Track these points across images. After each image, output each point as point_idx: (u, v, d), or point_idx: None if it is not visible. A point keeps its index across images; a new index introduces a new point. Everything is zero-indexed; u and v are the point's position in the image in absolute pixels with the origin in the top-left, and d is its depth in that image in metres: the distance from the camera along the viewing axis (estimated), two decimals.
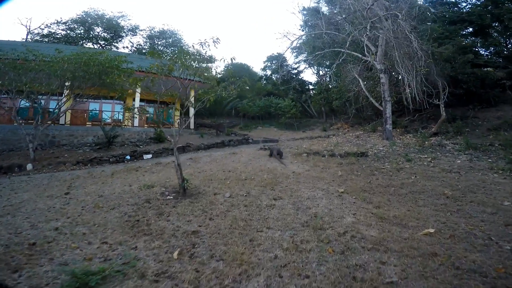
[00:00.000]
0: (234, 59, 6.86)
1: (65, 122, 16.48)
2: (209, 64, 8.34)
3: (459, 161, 9.69)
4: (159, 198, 5.92)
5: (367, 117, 22.60)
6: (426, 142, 13.50)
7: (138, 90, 18.39)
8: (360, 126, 22.76)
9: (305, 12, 26.21)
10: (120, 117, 19.13)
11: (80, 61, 11.52)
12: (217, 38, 6.21)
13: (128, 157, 12.35)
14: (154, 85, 6.67)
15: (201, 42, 6.20)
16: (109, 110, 19.69)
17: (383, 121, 14.86)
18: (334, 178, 7.61)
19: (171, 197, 6.00)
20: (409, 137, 15.48)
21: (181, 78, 7.36)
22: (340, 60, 15.79)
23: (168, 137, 15.32)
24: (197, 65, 7.19)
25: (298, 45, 30.47)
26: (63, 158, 11.99)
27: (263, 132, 22.34)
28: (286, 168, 8.73)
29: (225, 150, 13.18)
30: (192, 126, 18.44)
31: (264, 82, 34.85)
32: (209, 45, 6.22)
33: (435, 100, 14.86)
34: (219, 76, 29.20)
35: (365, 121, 22.84)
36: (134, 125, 17.16)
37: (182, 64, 6.61)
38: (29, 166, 10.19)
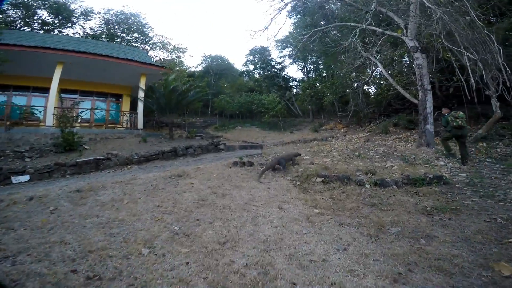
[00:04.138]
0: None
1: None
2: None
3: None
4: None
5: (367, 115, 16.75)
6: (492, 151, 7.79)
7: (57, 76, 11.47)
8: (358, 126, 16.89)
9: None
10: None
11: None
12: None
13: None
14: None
15: None
16: (42, 106, 12.35)
17: (420, 120, 8.87)
18: None
19: None
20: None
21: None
22: (357, 35, 9.44)
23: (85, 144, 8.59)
24: None
25: (283, 37, 24.59)
26: None
27: (243, 133, 15.89)
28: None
29: (172, 165, 6.66)
30: (140, 125, 11.69)
31: (246, 78, 28.34)
32: None
33: (487, 92, 9.06)
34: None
35: (364, 120, 16.98)
36: (47, 124, 10.16)
37: None
38: None
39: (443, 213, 3.54)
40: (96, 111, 13.11)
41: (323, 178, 4.99)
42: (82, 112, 11.37)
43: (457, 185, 4.76)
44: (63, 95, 13.33)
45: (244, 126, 19.21)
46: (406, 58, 13.77)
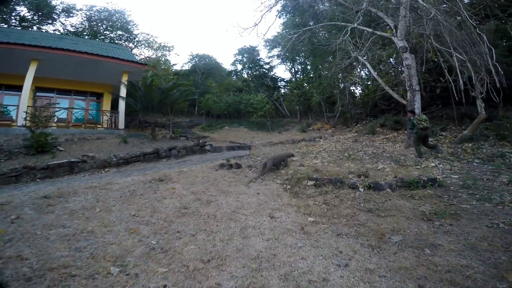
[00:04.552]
0: None
1: None
2: None
3: None
4: None
5: (354, 116, 16.72)
6: (479, 152, 7.83)
7: (31, 73, 10.62)
8: (345, 126, 16.82)
9: None
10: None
11: None
12: None
13: None
14: None
15: None
16: (14, 105, 11.40)
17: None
18: None
19: None
20: (431, 142, 9.64)
21: None
22: (348, 33, 9.29)
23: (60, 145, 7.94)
24: None
25: (272, 37, 24.30)
26: None
27: (231, 134, 15.48)
28: None
29: (154, 168, 6.18)
30: (121, 125, 11.04)
31: (234, 78, 27.90)
32: None
33: (473, 93, 9.12)
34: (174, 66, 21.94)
35: (351, 120, 16.93)
36: (19, 124, 9.37)
37: None
38: None
39: (443, 218, 3.33)
40: (74, 110, 12.32)
41: (314, 181, 4.70)
42: (58, 111, 10.62)
43: (451, 187, 4.60)
44: (39, 94, 12.51)
45: (231, 126, 18.81)
46: (391, 60, 13.84)
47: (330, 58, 17.49)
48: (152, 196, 3.92)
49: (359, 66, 11.46)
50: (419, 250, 2.60)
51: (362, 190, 4.33)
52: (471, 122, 10.18)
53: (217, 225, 2.89)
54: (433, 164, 6.39)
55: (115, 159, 6.46)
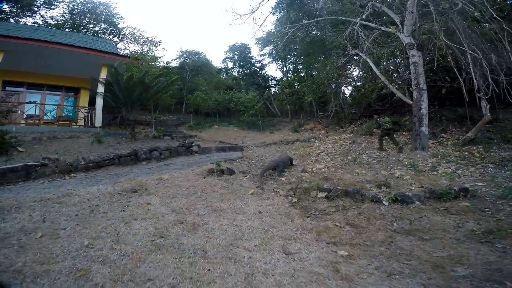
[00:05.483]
0: None
1: None
2: None
3: None
4: None
5: (348, 116, 16.03)
6: (488, 155, 7.30)
7: None
8: (338, 127, 16.13)
9: None
10: None
11: None
12: None
13: None
14: None
15: None
16: None
17: (414, 121, 8.06)
18: None
19: None
20: (433, 144, 9.03)
21: None
22: (357, 24, 8.51)
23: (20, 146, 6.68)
24: None
25: (264, 35, 23.40)
26: None
27: (220, 133, 14.42)
28: None
29: (129, 173, 5.09)
30: (98, 122, 9.78)
31: (224, 76, 26.81)
32: None
33: (479, 94, 8.53)
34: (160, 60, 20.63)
35: (344, 121, 16.23)
36: None
37: None
38: None
39: (502, 238, 2.51)
40: (47, 106, 10.95)
41: (326, 193, 3.81)
42: (20, 105, 9.30)
43: (486, 198, 3.84)
44: (8, 88, 11.17)
45: (221, 125, 17.78)
46: (389, 59, 13.25)
47: (322, 57, 16.82)
48: (119, 215, 2.89)
49: (359, 64, 10.72)
50: (499, 285, 1.76)
51: (386, 204, 3.48)
52: (472, 124, 9.67)
53: (208, 270, 1.89)
54: (449, 170, 5.68)
55: (83, 163, 5.32)
